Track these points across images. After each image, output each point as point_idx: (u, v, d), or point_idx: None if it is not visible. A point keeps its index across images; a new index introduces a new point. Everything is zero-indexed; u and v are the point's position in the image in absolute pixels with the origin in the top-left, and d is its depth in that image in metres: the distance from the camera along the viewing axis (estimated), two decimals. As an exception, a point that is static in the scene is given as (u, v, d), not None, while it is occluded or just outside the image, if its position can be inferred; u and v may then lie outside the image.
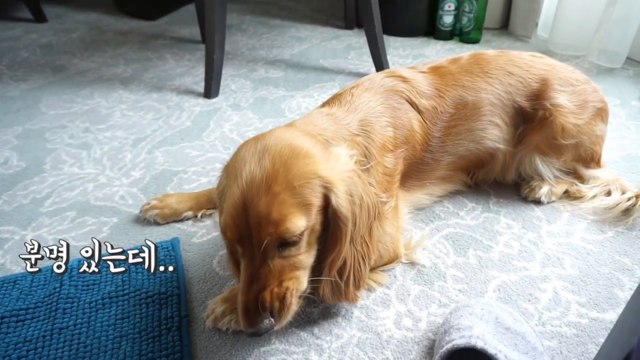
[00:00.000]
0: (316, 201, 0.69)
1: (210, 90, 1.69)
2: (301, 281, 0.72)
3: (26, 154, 1.38)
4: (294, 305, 0.70)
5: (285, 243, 0.68)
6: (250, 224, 0.66)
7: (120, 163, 1.33)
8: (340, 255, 0.73)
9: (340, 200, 0.70)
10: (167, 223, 1.08)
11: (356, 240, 0.75)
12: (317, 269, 0.76)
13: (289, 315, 0.70)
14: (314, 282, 0.76)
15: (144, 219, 1.08)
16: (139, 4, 2.58)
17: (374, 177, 0.86)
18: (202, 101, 1.68)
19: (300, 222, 0.67)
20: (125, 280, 0.91)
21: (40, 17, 2.54)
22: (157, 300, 0.87)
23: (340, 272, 0.76)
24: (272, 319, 0.68)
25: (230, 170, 0.72)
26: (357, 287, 0.80)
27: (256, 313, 0.66)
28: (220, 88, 1.74)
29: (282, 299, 0.68)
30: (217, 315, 0.81)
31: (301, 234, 0.68)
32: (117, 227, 1.08)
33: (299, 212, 0.67)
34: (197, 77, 1.87)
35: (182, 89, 1.78)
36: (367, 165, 0.85)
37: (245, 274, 0.68)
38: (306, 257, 0.72)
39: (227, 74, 1.88)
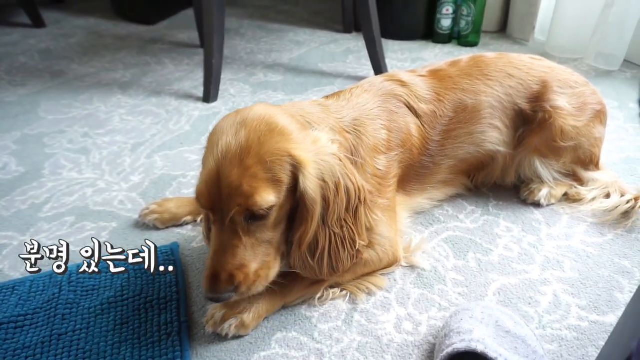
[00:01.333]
0: (286, 179, 0.71)
1: (209, 94, 1.69)
2: (272, 267, 0.76)
3: (25, 159, 1.38)
4: (259, 290, 0.75)
5: (254, 216, 0.70)
6: (222, 193, 0.69)
7: (119, 168, 1.33)
8: (307, 235, 0.75)
9: (308, 182, 0.72)
10: (167, 228, 1.08)
11: (332, 223, 0.76)
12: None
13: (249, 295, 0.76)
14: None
15: (143, 224, 1.08)
16: (138, 9, 2.58)
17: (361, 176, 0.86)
18: (201, 105, 1.68)
19: (269, 197, 0.69)
20: (124, 286, 0.91)
21: (38, 23, 2.55)
22: (156, 305, 0.86)
23: (313, 252, 0.77)
24: (234, 294, 0.72)
25: (210, 140, 0.75)
26: (335, 268, 0.80)
27: (222, 284, 0.70)
28: (219, 92, 1.74)
29: (251, 286, 0.73)
30: (217, 320, 0.80)
31: (269, 208, 0.71)
32: (116, 232, 1.08)
33: (269, 187, 0.69)
34: (196, 82, 1.87)
35: (181, 93, 1.78)
36: (355, 159, 0.85)
37: (216, 242, 0.73)
38: (274, 233, 0.75)
39: (226, 78, 1.89)
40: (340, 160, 0.76)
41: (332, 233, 0.77)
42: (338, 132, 0.85)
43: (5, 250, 1.03)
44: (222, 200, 0.70)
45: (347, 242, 0.79)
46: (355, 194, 0.77)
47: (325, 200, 0.74)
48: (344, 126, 0.87)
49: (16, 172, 1.32)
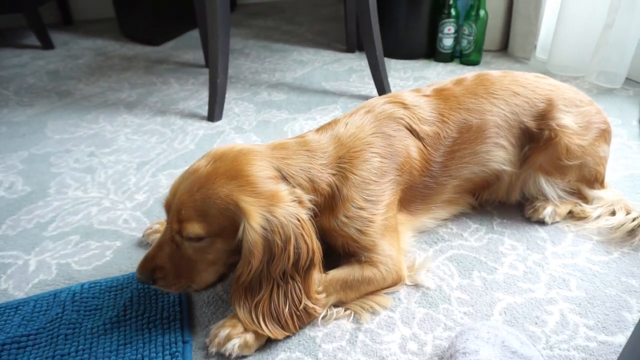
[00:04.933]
0: (223, 222, 0.79)
1: (214, 113, 1.71)
2: (194, 281, 0.85)
3: (31, 179, 1.39)
4: (174, 290, 0.86)
5: (186, 237, 0.80)
6: (172, 206, 0.81)
7: (124, 187, 1.34)
8: (244, 275, 0.79)
9: (247, 233, 0.77)
10: (170, 246, 1.08)
11: (276, 274, 0.79)
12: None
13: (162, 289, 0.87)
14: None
15: (147, 243, 1.08)
16: (144, 30, 2.64)
17: (343, 214, 0.88)
18: (205, 124, 1.70)
19: (197, 230, 0.78)
20: (127, 305, 0.90)
21: (47, 44, 2.60)
22: (159, 325, 0.86)
23: (253, 294, 0.81)
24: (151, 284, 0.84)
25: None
26: (279, 322, 0.81)
27: (145, 272, 0.82)
28: (224, 111, 1.76)
29: (167, 286, 0.84)
30: (221, 340, 0.80)
31: (197, 238, 0.79)
32: (119, 251, 1.08)
33: (202, 222, 0.78)
34: (200, 101, 1.89)
35: (186, 112, 1.80)
36: (336, 203, 0.89)
37: (160, 239, 0.85)
38: (203, 255, 0.83)
39: (231, 97, 1.91)
40: (299, 221, 0.79)
41: (275, 284, 0.80)
42: (314, 186, 0.86)
43: (9, 269, 1.04)
44: (171, 211, 0.82)
45: (291, 297, 0.81)
46: (308, 255, 0.80)
47: (271, 252, 0.78)
48: (328, 170, 0.89)
49: (22, 192, 1.33)
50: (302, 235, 0.79)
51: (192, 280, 0.84)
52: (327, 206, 0.89)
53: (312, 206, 0.85)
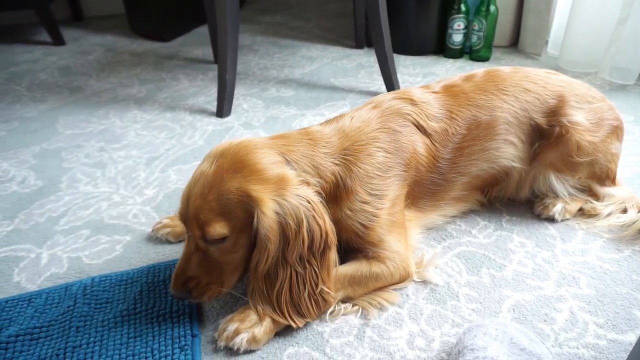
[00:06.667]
0: (241, 215, 0.78)
1: (223, 109, 1.72)
2: (225, 283, 0.85)
3: (43, 173, 1.41)
4: (207, 299, 0.85)
5: (209, 240, 0.79)
6: (189, 215, 0.80)
7: (134, 182, 1.35)
8: (262, 264, 0.79)
9: (262, 221, 0.76)
10: (179, 241, 1.09)
11: (293, 260, 0.79)
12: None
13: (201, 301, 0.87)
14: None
15: (156, 238, 1.09)
16: (154, 27, 2.65)
17: (347, 207, 0.88)
18: (214, 120, 1.71)
19: (220, 230, 0.77)
20: (137, 299, 0.91)
21: (58, 41, 2.62)
22: (169, 318, 0.87)
23: (272, 283, 0.81)
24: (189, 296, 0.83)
25: (200, 163, 0.85)
26: (298, 309, 0.82)
27: (178, 287, 0.82)
28: (233, 107, 1.76)
29: (201, 295, 0.83)
30: (229, 334, 0.80)
31: (222, 238, 0.79)
32: (129, 245, 1.09)
33: (223, 221, 0.78)
34: (209, 97, 1.90)
35: (195, 108, 1.81)
36: (340, 193, 0.89)
37: (184, 250, 0.84)
38: (230, 256, 0.82)
39: (239, 93, 1.91)
40: (309, 202, 0.79)
41: (293, 271, 0.80)
42: (318, 172, 0.86)
43: (22, 262, 1.05)
44: (188, 220, 0.80)
45: (309, 283, 0.81)
46: (321, 236, 0.80)
47: (286, 237, 0.78)
48: (331, 159, 0.88)
49: (34, 186, 1.35)
50: (313, 217, 0.78)
51: (222, 284, 0.84)
52: (332, 195, 0.88)
53: (320, 190, 0.85)
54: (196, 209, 0.78)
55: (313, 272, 0.81)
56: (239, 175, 0.79)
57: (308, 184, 0.83)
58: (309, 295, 0.81)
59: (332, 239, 0.82)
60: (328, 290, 0.83)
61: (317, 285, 0.81)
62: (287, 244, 0.78)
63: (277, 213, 0.77)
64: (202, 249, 0.82)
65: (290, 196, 0.78)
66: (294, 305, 0.81)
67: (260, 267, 0.79)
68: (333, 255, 0.84)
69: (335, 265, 0.87)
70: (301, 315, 0.82)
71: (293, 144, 0.88)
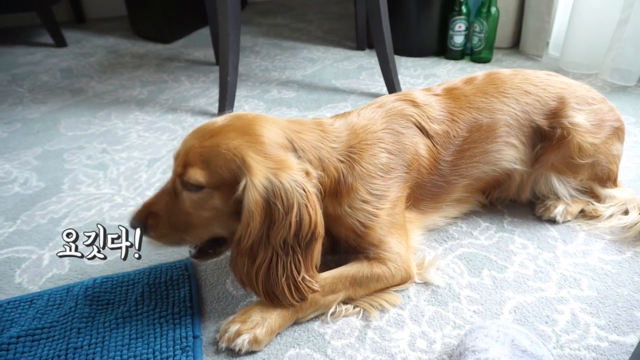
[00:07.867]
0: (226, 174, 0.78)
1: (224, 111, 1.71)
2: (184, 236, 0.85)
3: (45, 175, 1.41)
4: (164, 242, 0.86)
5: (187, 184, 0.80)
6: (179, 152, 0.82)
7: (136, 183, 1.35)
8: (244, 239, 0.78)
9: (248, 191, 0.76)
10: (181, 242, 1.09)
11: (275, 243, 0.78)
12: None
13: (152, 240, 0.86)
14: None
15: (158, 239, 1.09)
16: (155, 28, 2.66)
17: (347, 204, 0.89)
18: (216, 122, 1.71)
19: (197, 176, 0.78)
20: (138, 300, 0.92)
21: (60, 42, 2.63)
22: (170, 320, 0.87)
23: (252, 260, 0.80)
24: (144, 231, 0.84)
25: None
26: (272, 289, 0.81)
27: (141, 218, 0.83)
28: (234, 109, 1.77)
29: (159, 235, 0.84)
30: (231, 336, 0.81)
31: (197, 186, 0.79)
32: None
33: (204, 170, 0.78)
34: (211, 99, 1.90)
35: (196, 110, 1.82)
36: (340, 189, 0.89)
37: (162, 188, 0.86)
38: (201, 211, 0.82)
39: (241, 95, 1.92)
40: (304, 191, 0.78)
41: (275, 253, 0.79)
42: (322, 165, 0.86)
43: (24, 264, 1.05)
44: (178, 157, 0.82)
45: (289, 269, 0.80)
46: (310, 227, 0.78)
47: (272, 217, 0.77)
48: (336, 155, 0.89)
49: (37, 187, 1.35)
50: (306, 206, 0.78)
51: (186, 233, 0.84)
52: (333, 191, 0.88)
53: (319, 183, 0.84)
54: (189, 148, 0.80)
55: (296, 259, 0.80)
56: (243, 138, 0.79)
57: (308, 174, 0.82)
58: (287, 280, 0.80)
59: (321, 231, 0.81)
60: (310, 279, 0.83)
61: (298, 273, 0.81)
62: (272, 225, 0.77)
63: (266, 189, 0.76)
64: (176, 190, 0.82)
65: (285, 179, 0.77)
66: (270, 286, 0.80)
67: (242, 242, 0.78)
68: (319, 246, 0.83)
69: (321, 259, 0.86)
70: (276, 297, 0.81)
71: (305, 131, 0.88)
